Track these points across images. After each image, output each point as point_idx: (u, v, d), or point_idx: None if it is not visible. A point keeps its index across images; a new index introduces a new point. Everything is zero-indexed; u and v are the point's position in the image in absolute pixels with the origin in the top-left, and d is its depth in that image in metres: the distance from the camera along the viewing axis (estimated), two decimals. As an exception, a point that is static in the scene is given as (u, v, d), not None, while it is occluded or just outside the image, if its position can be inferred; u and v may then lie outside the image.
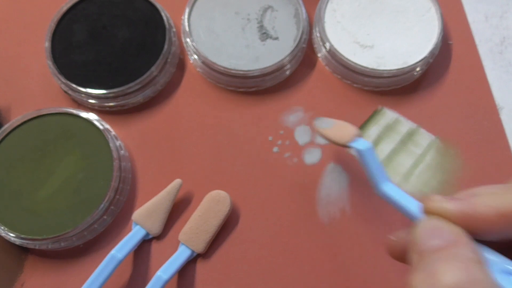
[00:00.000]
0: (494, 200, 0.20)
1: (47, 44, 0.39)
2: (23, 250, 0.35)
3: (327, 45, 0.38)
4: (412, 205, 0.24)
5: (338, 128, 0.31)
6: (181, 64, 0.41)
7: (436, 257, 0.19)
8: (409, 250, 0.21)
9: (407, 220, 0.36)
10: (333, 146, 0.37)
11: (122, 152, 0.36)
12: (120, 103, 0.38)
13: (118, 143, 0.36)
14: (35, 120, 0.37)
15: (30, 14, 0.43)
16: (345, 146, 0.30)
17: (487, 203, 0.20)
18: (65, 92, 0.39)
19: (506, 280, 0.19)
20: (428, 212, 0.22)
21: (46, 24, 0.39)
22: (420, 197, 0.23)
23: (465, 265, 0.18)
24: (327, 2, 0.40)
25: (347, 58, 0.37)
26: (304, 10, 0.39)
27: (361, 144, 0.29)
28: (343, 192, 0.36)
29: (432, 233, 0.20)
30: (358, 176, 0.37)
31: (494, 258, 0.20)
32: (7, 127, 0.36)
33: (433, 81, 0.39)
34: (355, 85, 0.39)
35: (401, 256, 0.23)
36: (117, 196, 0.35)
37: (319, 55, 0.40)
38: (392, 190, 0.26)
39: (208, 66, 0.38)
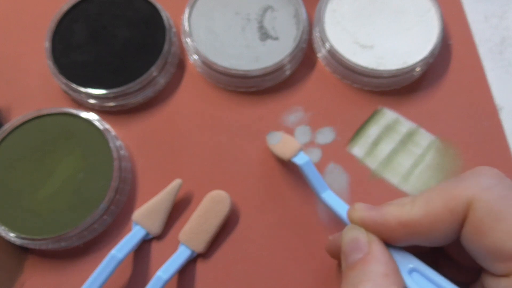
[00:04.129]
0: (397, 210, 0.23)
1: (47, 44, 0.39)
2: (23, 250, 0.35)
3: (327, 45, 0.38)
4: (345, 213, 0.27)
5: (283, 144, 0.34)
6: (181, 64, 0.41)
7: (355, 275, 0.22)
8: (341, 256, 0.24)
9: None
10: (333, 146, 0.37)
11: (122, 152, 0.36)
12: (120, 103, 0.38)
13: (118, 143, 0.36)
14: (35, 120, 0.37)
15: (30, 14, 0.43)
16: (288, 161, 0.33)
17: (392, 213, 0.23)
18: (65, 92, 0.39)
19: (410, 278, 0.23)
20: (350, 219, 0.25)
21: (46, 24, 0.39)
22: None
23: (376, 284, 0.21)
24: (327, 2, 0.40)
25: (347, 58, 0.37)
26: (304, 10, 0.39)
27: (300, 158, 0.32)
28: (343, 192, 0.36)
29: (351, 244, 0.23)
30: (358, 176, 0.37)
31: (403, 260, 0.23)
32: (7, 127, 0.36)
33: (433, 81, 0.39)
34: (355, 85, 0.39)
35: (337, 255, 0.27)
36: (117, 196, 0.35)
37: (319, 55, 0.40)
38: (330, 198, 0.30)
39: (208, 66, 0.38)
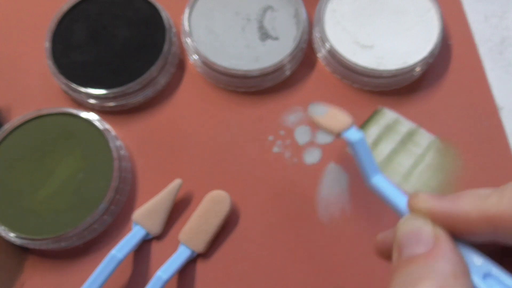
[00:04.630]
0: (477, 202, 0.19)
1: (47, 44, 0.39)
2: (23, 250, 0.35)
3: (327, 45, 0.38)
4: (400, 201, 0.23)
5: (331, 117, 0.30)
6: (181, 64, 0.41)
7: (413, 270, 0.18)
8: (393, 247, 0.21)
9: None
10: (333, 146, 0.37)
11: (122, 152, 0.36)
12: (120, 103, 0.38)
13: (118, 143, 0.36)
14: (35, 120, 0.37)
15: (30, 14, 0.43)
16: (337, 136, 0.29)
17: (471, 204, 0.19)
18: (65, 92, 0.39)
19: (485, 284, 0.19)
20: (413, 209, 0.21)
21: (47, 24, 0.39)
22: (409, 194, 0.23)
23: (441, 283, 0.17)
24: (327, 2, 0.40)
25: (347, 58, 0.37)
26: (304, 10, 0.39)
27: (353, 134, 0.28)
28: (343, 192, 0.36)
29: (411, 235, 0.20)
30: (358, 176, 0.37)
31: (476, 261, 0.19)
32: (7, 127, 0.36)
33: (433, 81, 0.39)
34: (355, 85, 0.39)
35: (388, 255, 0.23)
36: (117, 196, 0.35)
37: (319, 55, 0.40)
38: (382, 183, 0.25)
39: (208, 66, 0.38)
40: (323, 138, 0.38)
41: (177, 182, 0.35)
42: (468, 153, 0.37)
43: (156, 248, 0.35)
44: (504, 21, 0.42)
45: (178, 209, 0.36)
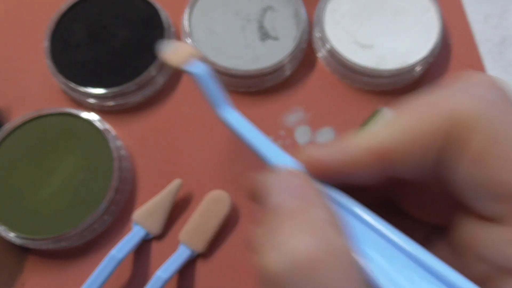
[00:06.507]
0: (367, 140, 0.17)
1: (46, 44, 0.39)
2: (23, 250, 0.35)
3: (327, 45, 0.38)
4: (257, 140, 0.22)
5: (176, 51, 0.28)
6: (181, 64, 0.41)
7: (285, 218, 0.16)
8: (261, 194, 0.18)
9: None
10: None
11: (122, 152, 0.36)
12: (119, 102, 0.38)
13: (118, 143, 0.36)
14: (35, 120, 0.37)
15: (30, 14, 0.43)
16: (181, 70, 0.27)
17: (359, 144, 0.17)
18: (65, 92, 0.39)
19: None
20: (297, 158, 0.19)
21: (46, 23, 0.39)
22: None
23: (318, 229, 0.15)
24: (327, 2, 0.40)
25: (347, 58, 0.37)
26: (304, 10, 0.39)
27: (197, 67, 0.26)
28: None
29: (285, 189, 0.17)
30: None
31: (345, 202, 0.18)
32: (7, 127, 0.36)
33: (433, 81, 0.39)
34: (355, 85, 0.39)
35: (256, 197, 0.20)
36: (117, 196, 0.35)
37: (319, 55, 0.40)
38: (233, 117, 0.24)
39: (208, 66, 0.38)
40: (323, 138, 0.38)
41: (177, 182, 0.35)
42: (468, 153, 0.37)
43: (156, 248, 0.35)
44: (504, 21, 0.42)
45: (178, 209, 0.36)
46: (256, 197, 0.19)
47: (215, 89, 0.25)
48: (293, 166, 0.19)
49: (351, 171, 0.18)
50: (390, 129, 0.17)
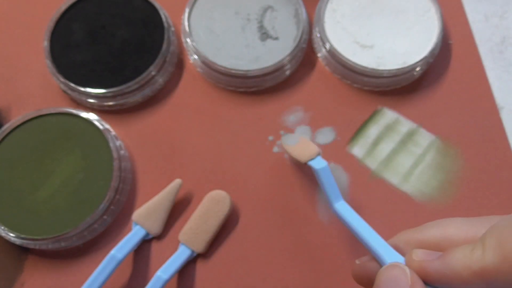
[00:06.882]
0: (465, 257, 0.20)
1: (46, 44, 0.39)
2: (23, 250, 0.35)
3: (327, 45, 0.38)
4: (364, 230, 0.25)
5: (300, 146, 0.33)
6: (180, 64, 0.41)
7: None
8: (369, 282, 0.22)
9: (406, 222, 0.36)
10: (333, 146, 0.37)
11: (122, 152, 0.36)
12: (119, 102, 0.38)
13: (118, 143, 0.36)
14: (35, 120, 0.37)
15: (29, 14, 0.43)
16: (304, 164, 0.32)
17: (460, 261, 0.20)
18: (64, 91, 0.39)
19: None
20: (409, 266, 0.22)
21: (45, 23, 0.39)
22: (397, 244, 0.24)
23: None
24: (327, 2, 0.40)
25: (347, 58, 0.37)
26: (304, 10, 0.39)
27: (318, 163, 0.31)
28: (343, 192, 0.36)
29: (390, 284, 0.21)
30: (358, 176, 0.37)
31: None
32: (7, 127, 0.36)
33: (433, 81, 0.39)
34: (355, 85, 0.39)
35: (365, 282, 0.25)
36: (117, 196, 0.35)
37: (319, 55, 0.40)
38: (343, 209, 0.28)
39: (208, 66, 0.38)
40: (323, 138, 0.38)
41: (177, 182, 0.35)
42: (468, 153, 0.37)
43: (156, 248, 0.35)
44: (504, 21, 0.42)
45: (178, 209, 0.36)
46: (364, 284, 0.24)
47: (332, 184, 0.30)
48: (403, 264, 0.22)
49: (455, 284, 0.21)
50: (493, 252, 0.20)
